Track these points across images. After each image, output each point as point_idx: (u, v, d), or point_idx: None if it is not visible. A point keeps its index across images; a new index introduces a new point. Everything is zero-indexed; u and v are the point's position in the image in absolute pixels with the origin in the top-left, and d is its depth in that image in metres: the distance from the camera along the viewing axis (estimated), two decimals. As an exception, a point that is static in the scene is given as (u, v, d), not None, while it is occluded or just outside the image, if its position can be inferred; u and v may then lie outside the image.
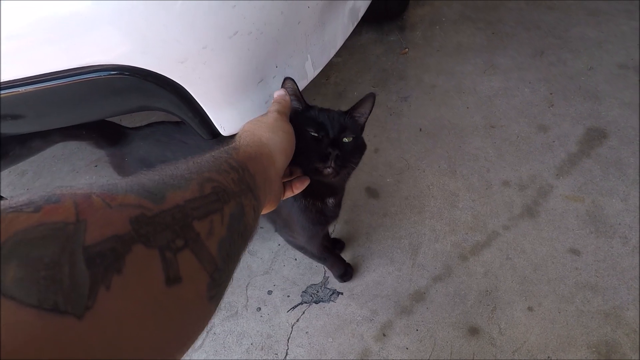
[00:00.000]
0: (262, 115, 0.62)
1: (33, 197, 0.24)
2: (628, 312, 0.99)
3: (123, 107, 0.83)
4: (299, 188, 0.65)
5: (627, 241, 1.11)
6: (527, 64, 1.67)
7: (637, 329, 0.96)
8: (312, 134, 0.69)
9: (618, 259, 1.08)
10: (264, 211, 0.52)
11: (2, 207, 0.22)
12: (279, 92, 0.72)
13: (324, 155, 0.65)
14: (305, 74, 1.01)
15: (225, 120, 0.86)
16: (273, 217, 0.97)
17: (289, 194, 0.65)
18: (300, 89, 1.04)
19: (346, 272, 1.15)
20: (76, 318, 0.20)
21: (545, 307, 1.03)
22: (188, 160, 0.39)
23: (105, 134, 0.96)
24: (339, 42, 1.15)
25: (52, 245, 0.21)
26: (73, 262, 0.21)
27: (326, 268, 1.17)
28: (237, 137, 0.51)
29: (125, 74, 0.73)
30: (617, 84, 1.51)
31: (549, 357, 0.96)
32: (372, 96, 0.72)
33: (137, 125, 0.99)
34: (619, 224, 1.15)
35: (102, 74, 0.72)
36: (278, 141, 0.54)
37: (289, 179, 0.66)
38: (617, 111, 1.42)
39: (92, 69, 0.71)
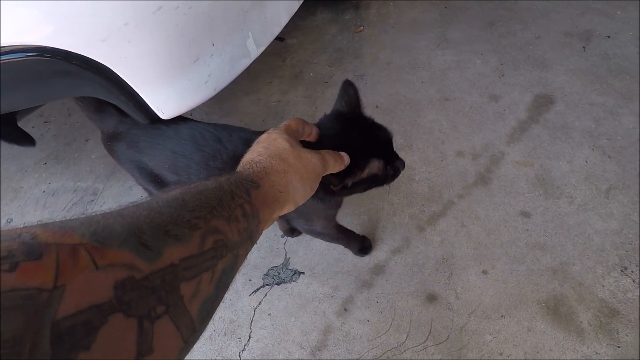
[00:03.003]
0: (291, 144, 0.52)
1: (12, 247, 0.21)
2: (574, 267, 1.04)
3: (48, 93, 0.78)
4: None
5: (573, 200, 1.16)
6: (479, 36, 1.69)
7: (582, 282, 1.01)
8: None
9: (565, 218, 1.13)
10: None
11: None
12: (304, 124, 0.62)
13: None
14: (248, 52, 0.99)
15: (162, 102, 0.83)
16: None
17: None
18: (244, 67, 1.02)
19: (364, 245, 1.13)
20: None
21: (499, 269, 1.07)
22: (202, 189, 0.36)
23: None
24: (284, 20, 1.13)
25: (18, 319, 0.19)
26: (36, 341, 0.19)
27: (345, 246, 1.13)
28: (264, 169, 0.46)
29: (46, 56, 0.69)
30: (562, 52, 1.55)
31: (502, 315, 0.99)
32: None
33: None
34: (565, 184, 1.19)
35: (18, 55, 0.67)
36: (301, 190, 0.49)
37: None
38: (563, 77, 1.47)
39: (7, 49, 0.67)
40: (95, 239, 0.24)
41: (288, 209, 0.48)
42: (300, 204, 0.50)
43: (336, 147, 0.59)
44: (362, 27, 1.89)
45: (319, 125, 0.65)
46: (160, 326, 0.26)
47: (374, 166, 0.65)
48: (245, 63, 0.98)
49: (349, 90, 0.68)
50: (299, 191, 0.48)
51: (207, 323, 0.32)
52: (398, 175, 0.74)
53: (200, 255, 0.31)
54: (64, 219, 0.26)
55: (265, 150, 0.49)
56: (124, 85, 0.74)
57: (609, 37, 1.55)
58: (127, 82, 0.74)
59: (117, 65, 0.70)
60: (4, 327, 0.19)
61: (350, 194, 0.72)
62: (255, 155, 0.49)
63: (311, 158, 0.51)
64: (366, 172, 0.64)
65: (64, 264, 0.22)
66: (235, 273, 0.37)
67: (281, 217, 0.90)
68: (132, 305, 0.24)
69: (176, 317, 0.27)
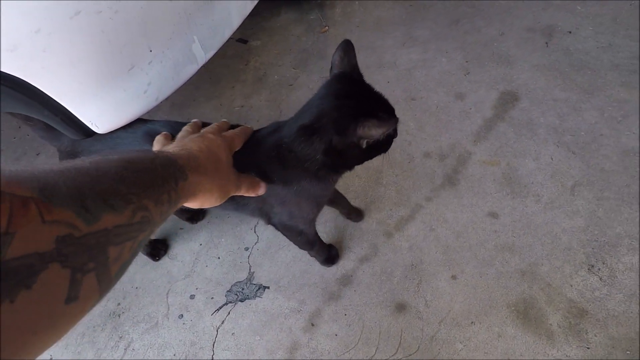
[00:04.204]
0: (229, 160, 0.60)
1: None
2: (542, 268, 1.02)
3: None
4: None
5: (540, 199, 1.14)
6: (444, 33, 1.67)
7: (551, 282, 0.99)
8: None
9: (532, 217, 1.11)
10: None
11: None
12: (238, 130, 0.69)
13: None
14: (194, 58, 0.92)
15: (95, 115, 0.75)
16: (266, 202, 0.80)
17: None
18: (191, 74, 0.95)
19: (331, 255, 1.08)
20: None
21: (468, 273, 1.04)
22: (140, 168, 0.39)
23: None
24: (236, 21, 1.06)
25: None
26: None
27: (312, 255, 1.07)
28: (198, 167, 0.50)
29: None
30: (526, 48, 1.54)
31: (472, 322, 0.97)
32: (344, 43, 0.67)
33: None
34: (532, 182, 1.18)
35: None
36: (211, 200, 0.54)
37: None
38: (527, 74, 1.46)
39: None
40: (43, 195, 0.28)
41: (191, 205, 0.53)
42: (197, 207, 0.55)
43: (360, 109, 0.61)
44: (327, 27, 1.85)
45: (331, 88, 0.65)
46: (88, 280, 0.30)
47: (394, 122, 0.60)
48: (191, 69, 0.91)
49: (350, 51, 0.67)
50: (209, 200, 0.54)
51: (119, 279, 0.36)
52: (395, 136, 0.70)
53: (129, 226, 0.35)
54: (15, 170, 0.28)
55: (207, 150, 0.55)
56: (46, 98, 0.67)
57: (570, 32, 1.55)
58: (49, 96, 0.67)
59: (33, 77, 0.63)
60: None
61: (361, 161, 0.70)
62: (196, 149, 0.53)
63: (234, 180, 0.59)
64: (391, 128, 0.60)
65: (16, 213, 0.25)
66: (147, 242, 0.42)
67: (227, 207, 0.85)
68: (69, 258, 0.28)
69: (100, 274, 0.31)
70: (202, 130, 0.63)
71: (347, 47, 0.67)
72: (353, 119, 0.59)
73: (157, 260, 1.18)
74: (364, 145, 0.63)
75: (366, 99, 0.64)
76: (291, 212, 0.81)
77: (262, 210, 0.82)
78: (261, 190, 0.65)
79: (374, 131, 0.59)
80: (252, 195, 0.64)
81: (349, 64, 0.67)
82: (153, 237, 1.18)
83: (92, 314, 1.10)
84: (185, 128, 0.66)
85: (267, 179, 0.69)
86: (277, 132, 0.70)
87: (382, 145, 0.67)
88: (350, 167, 0.72)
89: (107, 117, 0.76)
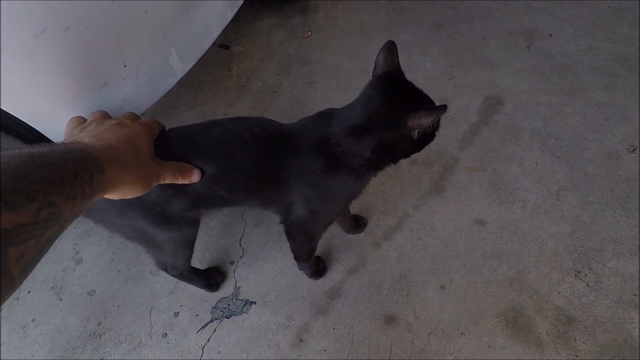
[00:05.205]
0: (150, 148, 0.59)
1: None
2: (530, 275, 1.02)
3: None
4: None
5: (526, 204, 1.14)
6: (427, 37, 1.67)
7: (538, 290, 1.00)
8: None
9: (519, 223, 1.11)
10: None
11: None
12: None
13: None
14: (172, 70, 0.89)
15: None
16: (289, 199, 0.77)
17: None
18: (169, 87, 0.92)
19: (319, 267, 1.07)
20: None
21: (456, 282, 1.03)
22: (47, 161, 0.37)
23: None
24: (215, 32, 1.03)
25: None
26: None
27: (300, 268, 1.06)
28: (116, 159, 0.49)
29: None
30: (508, 51, 1.55)
31: (462, 333, 0.96)
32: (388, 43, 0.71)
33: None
34: (518, 188, 1.18)
35: None
36: (132, 191, 0.53)
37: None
38: (511, 77, 1.46)
39: None
40: None
41: (111, 196, 0.51)
42: (118, 198, 0.53)
43: (408, 103, 0.66)
44: (310, 32, 1.82)
45: (379, 87, 0.69)
46: None
47: (443, 109, 0.64)
48: (169, 82, 0.88)
49: (394, 52, 0.71)
50: (130, 191, 0.52)
51: (25, 278, 0.35)
52: (439, 127, 0.75)
53: (33, 224, 0.33)
54: None
55: (127, 140, 0.53)
56: (14, 120, 0.63)
57: (551, 35, 1.56)
58: (16, 117, 0.63)
59: (-2, 99, 0.59)
60: None
61: (411, 152, 0.75)
62: (115, 139, 0.52)
63: (156, 169, 0.57)
64: (440, 115, 0.65)
65: None
66: (58, 236, 0.40)
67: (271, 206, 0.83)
68: None
69: None
70: (118, 117, 0.62)
71: (391, 48, 0.71)
72: (403, 113, 0.64)
73: (216, 290, 1.09)
74: (416, 136, 0.68)
75: (411, 94, 0.70)
76: (314, 210, 0.80)
77: (282, 208, 0.81)
78: (194, 177, 0.64)
79: (425, 120, 0.64)
80: (185, 182, 0.64)
81: (392, 64, 0.71)
82: (208, 265, 1.14)
83: (70, 334, 1.06)
84: (91, 119, 0.62)
85: (296, 175, 0.71)
86: (316, 128, 0.72)
87: (429, 135, 0.73)
88: (396, 160, 0.76)
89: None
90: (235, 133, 0.69)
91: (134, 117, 0.64)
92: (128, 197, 0.53)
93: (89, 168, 0.43)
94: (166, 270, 1.00)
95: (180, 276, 1.03)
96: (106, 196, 0.49)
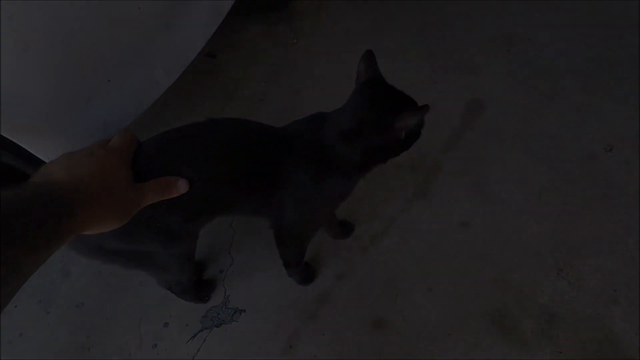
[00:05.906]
0: (127, 178, 0.55)
1: None
2: (514, 275, 1.04)
3: None
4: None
5: (509, 206, 1.17)
6: (410, 43, 1.70)
7: (522, 289, 1.02)
8: None
9: (502, 224, 1.14)
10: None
11: None
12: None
13: None
14: (157, 84, 0.90)
15: (53, 150, 0.72)
16: (280, 202, 0.78)
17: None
18: (154, 99, 0.93)
19: (308, 273, 1.08)
20: None
21: (443, 284, 1.05)
22: (10, 212, 0.35)
23: None
24: (200, 43, 1.05)
25: None
26: None
27: (290, 275, 1.05)
28: (88, 200, 0.46)
29: None
30: (489, 55, 1.58)
31: (449, 334, 0.98)
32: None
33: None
34: (501, 190, 1.20)
35: None
36: (107, 226, 0.50)
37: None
38: (492, 81, 1.50)
39: None
40: None
41: (87, 232, 0.48)
42: (94, 233, 0.50)
43: (393, 106, 0.69)
44: (296, 40, 1.84)
45: (363, 94, 0.72)
46: None
47: (427, 109, 0.67)
48: (154, 95, 0.89)
49: (372, 60, 0.75)
50: (105, 227, 0.49)
51: None
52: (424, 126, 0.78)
53: None
54: None
55: (100, 175, 0.49)
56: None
57: (529, 39, 1.60)
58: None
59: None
60: None
61: (400, 151, 0.77)
62: (87, 175, 0.48)
63: (135, 197, 0.54)
64: (424, 114, 0.69)
65: None
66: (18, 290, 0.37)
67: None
68: None
69: None
70: (89, 146, 0.57)
71: (370, 56, 0.74)
72: (389, 115, 0.67)
73: (207, 301, 1.09)
74: (403, 136, 0.71)
75: (395, 97, 0.73)
76: (305, 213, 0.82)
77: (273, 211, 0.82)
78: (182, 188, 0.61)
79: (410, 120, 0.67)
80: (174, 195, 0.61)
81: (373, 71, 0.74)
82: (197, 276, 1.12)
83: (59, 348, 1.05)
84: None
85: (290, 177, 0.73)
86: (309, 132, 0.75)
87: (416, 134, 0.76)
88: (386, 160, 0.79)
89: (67, 151, 0.73)
90: (221, 135, 0.71)
91: (104, 144, 0.59)
92: (104, 230, 0.51)
93: (57, 214, 0.40)
94: (170, 289, 1.00)
95: (184, 291, 1.02)
96: (80, 234, 0.47)
